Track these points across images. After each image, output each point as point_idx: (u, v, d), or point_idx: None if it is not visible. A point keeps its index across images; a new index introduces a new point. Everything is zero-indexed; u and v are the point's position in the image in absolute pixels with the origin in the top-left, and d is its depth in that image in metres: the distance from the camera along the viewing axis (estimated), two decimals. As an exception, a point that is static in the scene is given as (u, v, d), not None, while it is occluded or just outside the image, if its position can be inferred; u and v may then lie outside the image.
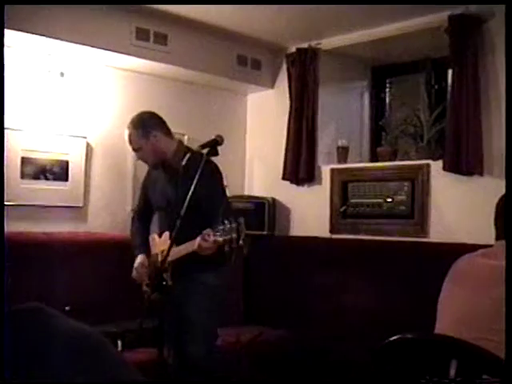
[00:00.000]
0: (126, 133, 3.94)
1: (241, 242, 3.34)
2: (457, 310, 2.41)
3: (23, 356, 0.68)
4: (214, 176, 3.86)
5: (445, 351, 2.14)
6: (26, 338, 0.71)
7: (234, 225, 3.35)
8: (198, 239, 3.46)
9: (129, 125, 3.94)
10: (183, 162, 3.64)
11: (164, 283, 3.58)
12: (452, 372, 2.05)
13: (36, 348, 0.69)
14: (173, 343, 3.93)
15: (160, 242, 3.89)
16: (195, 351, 3.82)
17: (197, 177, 3.42)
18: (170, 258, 3.62)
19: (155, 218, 4.20)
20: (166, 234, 3.78)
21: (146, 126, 3.91)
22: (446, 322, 2.43)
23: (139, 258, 3.98)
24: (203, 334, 3.88)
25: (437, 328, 2.46)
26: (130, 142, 3.94)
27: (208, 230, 3.43)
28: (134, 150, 3.98)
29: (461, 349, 2.10)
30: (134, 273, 3.96)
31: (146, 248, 4.04)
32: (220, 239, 3.37)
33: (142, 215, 4.21)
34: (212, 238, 3.41)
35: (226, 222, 3.37)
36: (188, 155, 3.64)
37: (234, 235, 3.34)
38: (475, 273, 2.45)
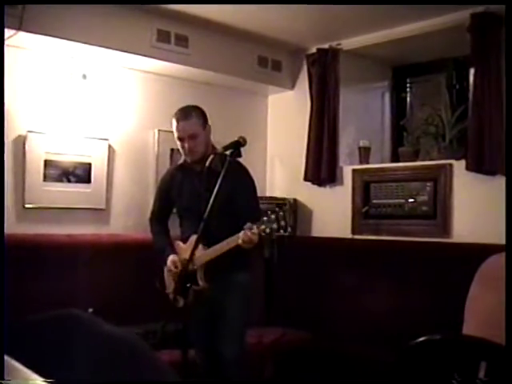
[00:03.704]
0: (180, 121, 3.91)
1: (289, 229, 3.43)
2: (485, 312, 2.39)
3: (60, 361, 0.68)
4: (247, 177, 3.93)
5: (474, 353, 2.12)
6: (63, 344, 0.70)
7: (273, 216, 3.41)
8: (241, 233, 3.49)
9: (186, 112, 3.94)
10: (209, 163, 3.66)
11: (188, 285, 3.58)
12: (481, 374, 2.03)
13: (74, 353, 0.69)
14: (203, 344, 3.94)
15: (186, 247, 3.86)
16: (231, 351, 3.83)
17: (227, 176, 3.46)
18: (206, 258, 3.65)
19: (176, 223, 4.20)
20: (194, 238, 3.73)
21: (205, 116, 3.97)
22: (474, 324, 2.41)
23: (171, 257, 3.93)
24: (239, 334, 3.91)
25: (464, 329, 2.44)
26: (185, 129, 3.89)
27: (249, 224, 3.48)
28: (188, 137, 3.89)
29: (490, 350, 2.08)
30: (168, 273, 3.94)
31: (174, 248, 4.02)
32: (267, 230, 3.43)
33: (160, 217, 4.21)
34: (256, 230, 3.44)
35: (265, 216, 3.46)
36: (212, 156, 3.66)
37: (275, 226, 3.40)
38: (503, 273, 2.42)
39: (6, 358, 0.64)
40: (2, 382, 0.60)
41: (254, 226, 3.46)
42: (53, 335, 0.71)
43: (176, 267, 3.87)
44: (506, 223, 2.46)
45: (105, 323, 0.77)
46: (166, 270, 4.02)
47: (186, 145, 3.90)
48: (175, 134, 3.95)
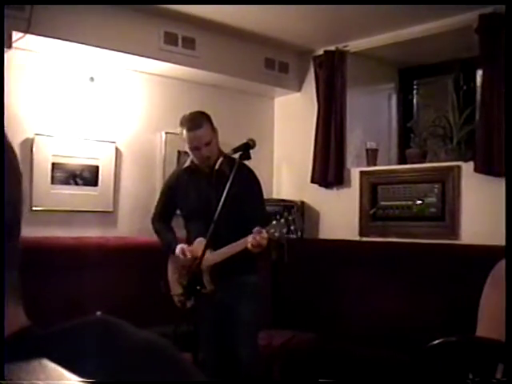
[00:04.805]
0: (193, 130, 3.80)
1: (299, 233, 3.43)
2: (498, 312, 2.38)
3: (96, 369, 0.67)
4: (255, 180, 3.90)
5: (489, 354, 2.10)
6: (97, 351, 0.69)
7: (282, 220, 3.41)
8: (250, 237, 3.48)
9: (197, 120, 3.84)
10: (218, 166, 3.65)
11: (198, 287, 3.57)
12: (498, 376, 2.02)
13: (109, 360, 0.68)
14: (213, 346, 3.93)
15: (192, 249, 3.84)
16: (247, 354, 3.83)
17: (234, 180, 3.44)
18: (212, 262, 3.63)
19: (177, 223, 4.18)
20: (200, 241, 3.73)
21: (211, 120, 3.90)
22: (487, 324, 2.40)
23: (180, 246, 3.88)
24: (253, 336, 3.89)
25: (478, 330, 2.42)
26: (200, 137, 3.80)
27: (258, 228, 3.47)
28: (204, 144, 3.82)
29: (505, 352, 2.06)
30: (182, 257, 3.84)
31: (178, 241, 3.99)
32: (276, 234, 3.43)
33: (163, 217, 4.17)
34: (265, 234, 3.43)
35: (274, 219, 3.46)
36: (221, 159, 3.65)
37: (285, 230, 3.40)
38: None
39: (43, 360, 0.63)
40: (2, 382, 0.59)
41: (263, 230, 3.45)
42: (84, 343, 0.69)
43: (185, 255, 3.82)
44: (506, 223, 2.45)
45: (133, 327, 0.76)
46: (170, 271, 4.01)
47: (204, 152, 3.84)
48: (189, 144, 3.85)
